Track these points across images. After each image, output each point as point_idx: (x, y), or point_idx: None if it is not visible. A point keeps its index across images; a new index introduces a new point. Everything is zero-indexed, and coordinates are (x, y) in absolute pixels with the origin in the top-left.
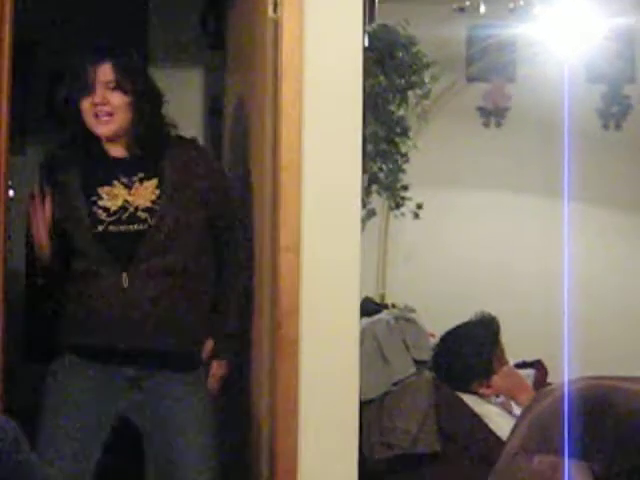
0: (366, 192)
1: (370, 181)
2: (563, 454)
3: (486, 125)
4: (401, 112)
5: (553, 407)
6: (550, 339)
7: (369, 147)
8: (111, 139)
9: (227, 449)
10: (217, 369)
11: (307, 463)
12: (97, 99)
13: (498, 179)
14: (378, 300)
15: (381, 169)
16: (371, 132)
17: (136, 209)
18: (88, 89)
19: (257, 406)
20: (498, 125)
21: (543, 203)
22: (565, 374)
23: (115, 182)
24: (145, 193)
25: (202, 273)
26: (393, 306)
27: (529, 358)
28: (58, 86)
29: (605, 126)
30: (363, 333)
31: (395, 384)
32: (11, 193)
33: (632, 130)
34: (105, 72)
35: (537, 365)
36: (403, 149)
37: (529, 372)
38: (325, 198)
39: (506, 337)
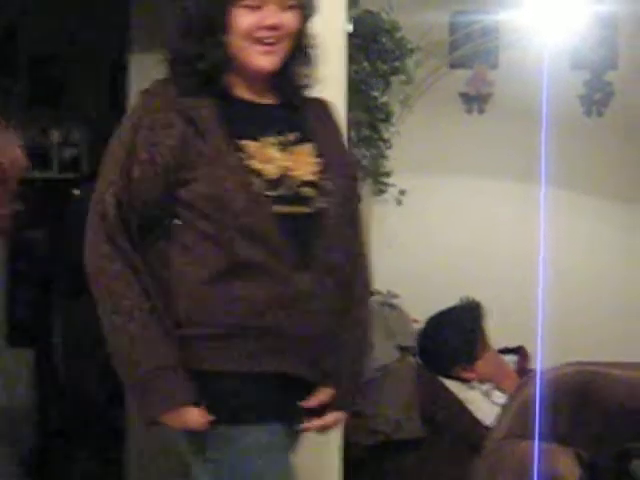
0: None
1: None
2: (549, 439)
3: (469, 111)
4: (384, 98)
5: (534, 395)
6: (532, 325)
7: (352, 133)
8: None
9: None
10: (334, 420)
11: None
12: (271, 20)
13: (481, 165)
14: None
15: (364, 155)
16: (354, 118)
17: (300, 184)
18: (255, 3)
19: None
20: (481, 111)
21: (525, 189)
22: (538, 360)
23: (262, 138)
24: (306, 161)
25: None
26: (377, 292)
27: (512, 344)
28: None
29: (587, 112)
30: None
31: (378, 370)
32: None
33: (614, 117)
34: None
35: (519, 351)
36: (386, 135)
37: (511, 358)
38: None
39: (489, 323)
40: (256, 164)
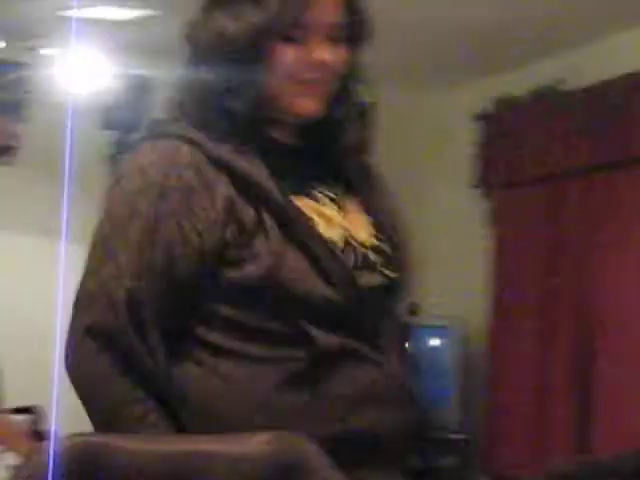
0: None
1: None
2: None
3: None
4: None
5: (44, 466)
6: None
7: None
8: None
9: None
10: None
11: None
12: (318, 55)
13: (7, 220)
14: None
15: None
16: None
17: (363, 246)
18: (298, 34)
19: None
20: (9, 164)
21: (49, 245)
22: (53, 422)
23: (314, 193)
24: (360, 219)
25: None
26: None
27: (30, 402)
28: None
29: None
30: None
31: None
32: None
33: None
34: (330, 9)
35: (34, 410)
36: None
37: (27, 418)
38: None
39: (10, 384)
40: (322, 230)
